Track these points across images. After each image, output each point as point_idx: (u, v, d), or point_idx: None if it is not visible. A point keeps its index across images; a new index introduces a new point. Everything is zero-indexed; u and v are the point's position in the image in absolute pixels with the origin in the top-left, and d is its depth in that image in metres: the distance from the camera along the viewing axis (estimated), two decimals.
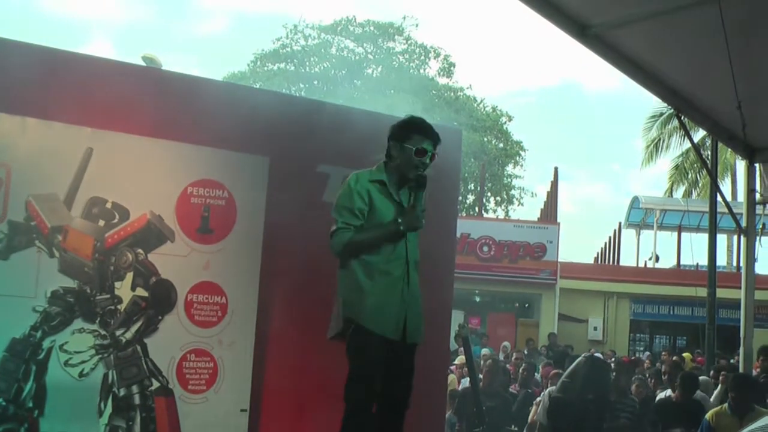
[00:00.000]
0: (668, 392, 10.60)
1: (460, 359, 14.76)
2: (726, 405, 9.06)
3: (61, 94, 7.79)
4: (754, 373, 11.33)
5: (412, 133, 5.41)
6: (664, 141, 39.72)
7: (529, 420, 10.69)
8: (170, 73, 9.47)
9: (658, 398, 10.64)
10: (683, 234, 33.62)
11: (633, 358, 17.53)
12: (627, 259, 37.14)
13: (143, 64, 11.48)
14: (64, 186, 7.75)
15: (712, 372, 13.20)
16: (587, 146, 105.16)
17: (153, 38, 69.41)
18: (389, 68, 39.39)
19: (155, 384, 7.99)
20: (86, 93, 7.89)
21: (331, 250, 5.40)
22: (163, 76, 9.41)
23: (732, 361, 16.07)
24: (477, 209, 34.76)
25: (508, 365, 15.51)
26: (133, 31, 71.53)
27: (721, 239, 33.86)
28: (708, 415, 9.03)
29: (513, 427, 11.01)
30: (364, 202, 5.29)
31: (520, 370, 13.39)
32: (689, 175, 41.02)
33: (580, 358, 9.81)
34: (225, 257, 8.37)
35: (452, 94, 40.39)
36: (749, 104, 8.49)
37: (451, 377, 12.65)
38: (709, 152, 20.14)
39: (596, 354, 19.97)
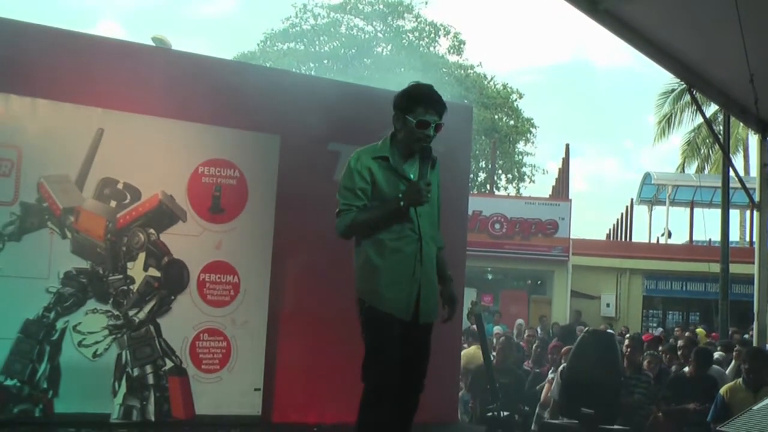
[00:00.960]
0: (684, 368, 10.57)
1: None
2: (740, 380, 9.03)
3: (71, 74, 7.80)
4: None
5: (415, 104, 5.13)
6: (676, 116, 39.50)
7: (542, 398, 10.68)
8: (181, 53, 9.46)
9: (671, 376, 10.61)
10: (696, 210, 33.53)
11: (654, 335, 17.44)
12: (639, 236, 36.95)
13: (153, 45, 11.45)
14: (76, 167, 7.77)
15: (719, 347, 13.17)
16: (598, 123, 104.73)
17: (161, 20, 69.23)
18: (399, 46, 39.23)
19: (169, 364, 8.03)
20: (97, 73, 7.90)
21: (337, 233, 5.23)
22: (174, 56, 9.40)
23: (746, 336, 16.05)
24: (488, 187, 34.61)
25: (521, 342, 15.50)
26: (140, 13, 71.25)
27: (734, 214, 33.68)
28: (722, 390, 9.00)
29: (525, 407, 10.99)
30: (366, 181, 5.11)
31: (533, 347, 13.39)
32: (701, 151, 40.81)
33: (583, 334, 9.81)
34: (237, 236, 8.39)
35: (462, 71, 40.23)
36: (761, 78, 8.45)
37: (473, 351, 12.58)
38: (721, 127, 20.04)
39: (609, 330, 20.06)
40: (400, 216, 5.09)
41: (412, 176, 5.16)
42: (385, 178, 5.13)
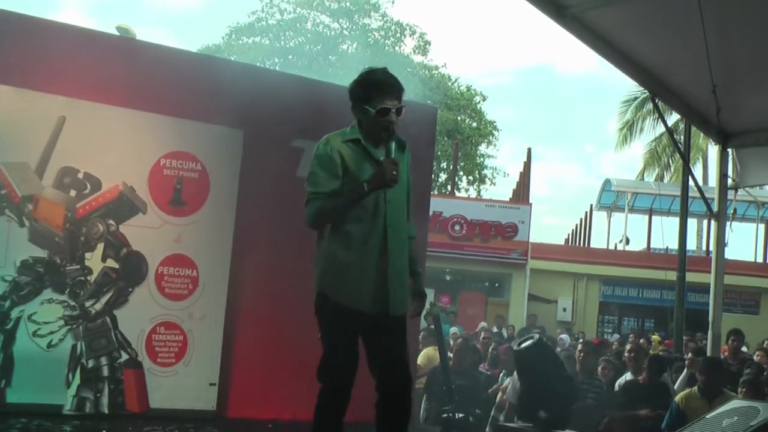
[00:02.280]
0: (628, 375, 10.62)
1: None
2: (695, 388, 9.11)
3: (33, 61, 7.72)
4: (722, 356, 11.42)
5: (372, 91, 5.01)
6: (637, 124, 39.89)
7: (497, 401, 10.72)
8: (145, 44, 9.39)
9: (624, 380, 10.67)
10: (654, 217, 33.80)
11: (602, 339, 17.62)
12: (598, 241, 37.28)
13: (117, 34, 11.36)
14: (36, 155, 7.70)
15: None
16: (560, 127, 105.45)
17: (124, 10, 68.68)
18: (364, 45, 39.18)
19: (124, 356, 7.99)
20: (60, 61, 7.83)
21: (306, 224, 5.07)
22: (139, 46, 9.33)
23: (699, 344, 16.21)
24: (449, 188, 34.65)
25: (477, 344, 15.54)
26: (103, 2, 70.80)
27: (692, 223, 34.09)
28: (677, 398, 9.06)
29: (477, 410, 11.01)
30: (335, 164, 4.95)
31: (489, 349, 13.43)
32: (662, 159, 41.21)
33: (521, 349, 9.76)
34: (197, 230, 8.35)
35: (427, 72, 40.24)
36: (724, 89, 8.51)
37: (430, 352, 12.59)
38: (682, 136, 20.21)
39: (563, 335, 20.16)
40: (369, 199, 4.95)
41: (381, 158, 5.00)
42: (356, 161, 5.00)
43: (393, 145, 5.02)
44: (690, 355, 11.46)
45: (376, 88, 5.02)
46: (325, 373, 4.91)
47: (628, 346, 12.71)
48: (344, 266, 4.95)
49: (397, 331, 5.11)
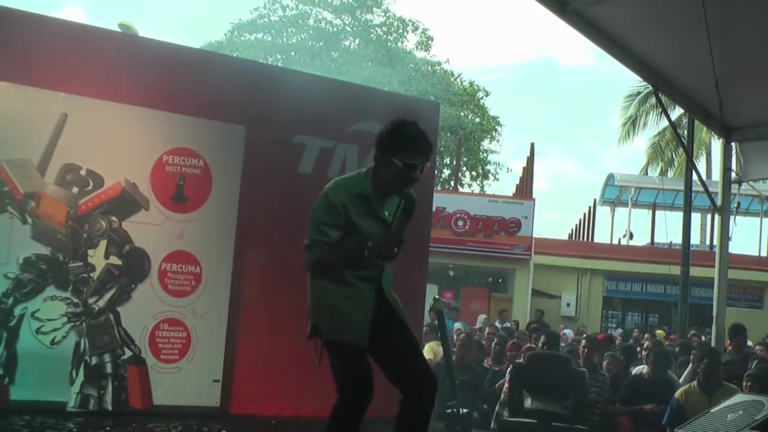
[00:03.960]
0: (644, 368, 10.62)
1: None
2: (695, 382, 9.11)
3: (35, 58, 7.71)
4: (726, 351, 11.41)
5: (402, 145, 4.84)
6: (640, 119, 39.89)
7: (503, 396, 10.69)
8: (147, 41, 9.40)
9: (632, 374, 10.67)
10: (657, 212, 33.71)
11: (606, 334, 17.61)
12: (601, 236, 37.16)
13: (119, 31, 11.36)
14: (38, 152, 7.69)
15: (677, 348, 13.26)
16: (562, 123, 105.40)
17: (126, 6, 68.64)
18: (367, 40, 39.13)
19: (127, 353, 7.99)
20: (62, 58, 7.82)
21: (304, 266, 5.02)
22: (141, 43, 9.34)
23: (703, 338, 16.18)
24: (452, 183, 34.68)
25: (481, 340, 15.50)
26: None
27: (695, 218, 33.88)
28: (677, 394, 9.06)
29: (484, 405, 11.00)
30: (339, 216, 4.83)
31: (493, 345, 13.39)
32: (665, 154, 41.21)
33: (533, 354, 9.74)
34: (200, 226, 8.35)
35: (429, 68, 40.17)
36: (727, 83, 8.50)
37: (436, 347, 12.60)
38: (686, 131, 20.18)
39: (565, 330, 20.14)
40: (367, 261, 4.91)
41: (387, 214, 4.98)
42: (360, 215, 4.90)
43: (404, 215, 5.07)
44: (695, 350, 11.44)
45: (409, 143, 4.88)
46: (342, 393, 4.88)
47: (645, 344, 12.75)
48: (334, 302, 4.91)
49: (406, 341, 5.11)
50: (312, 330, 4.99)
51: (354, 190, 4.94)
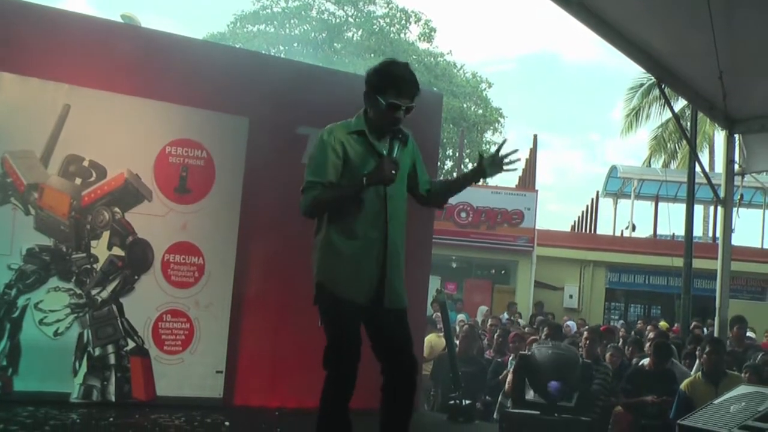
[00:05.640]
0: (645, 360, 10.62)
1: None
2: (699, 373, 9.10)
3: (38, 49, 7.71)
4: (727, 343, 11.41)
5: (388, 84, 4.88)
6: (644, 111, 39.82)
7: (506, 387, 10.70)
8: (151, 32, 9.39)
9: (631, 368, 10.68)
10: (660, 204, 33.67)
11: (608, 326, 17.63)
12: (604, 228, 37.21)
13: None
14: (41, 143, 7.70)
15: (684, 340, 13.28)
16: (565, 115, 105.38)
17: None
18: (369, 32, 39.03)
19: (131, 344, 8.00)
20: (65, 49, 7.82)
21: (300, 211, 5.03)
22: (144, 34, 9.33)
23: (705, 330, 16.19)
24: (455, 175, 34.71)
25: (484, 331, 15.53)
26: None
27: (698, 210, 33.90)
28: (683, 386, 9.04)
29: (487, 396, 11.02)
30: (337, 155, 4.88)
31: (495, 336, 13.41)
32: (668, 146, 41.14)
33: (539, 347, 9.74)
34: (203, 218, 8.35)
35: (432, 59, 40.08)
36: (730, 75, 8.49)
37: (434, 338, 12.64)
38: (689, 123, 20.15)
39: (568, 322, 20.15)
40: (366, 195, 4.89)
41: (384, 152, 4.94)
42: (359, 153, 4.94)
43: (396, 143, 4.97)
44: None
45: (393, 81, 4.91)
46: (329, 361, 4.87)
47: (649, 335, 12.75)
48: (342, 257, 4.91)
49: (398, 323, 5.08)
50: (317, 289, 4.99)
51: (351, 128, 5.02)
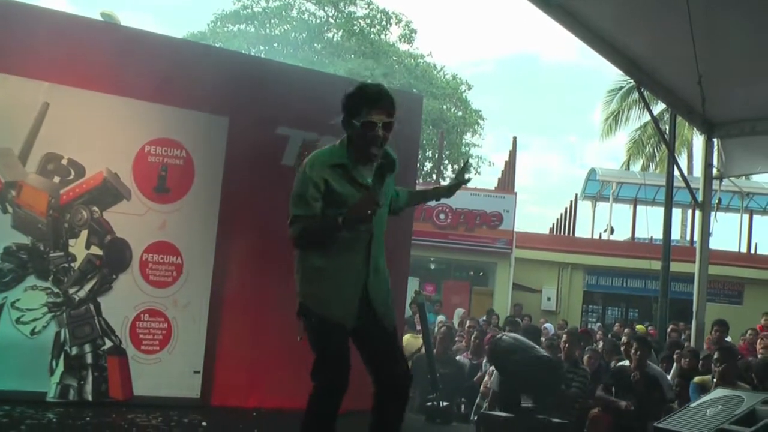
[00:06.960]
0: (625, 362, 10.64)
1: None
2: (710, 377, 9.10)
3: (17, 47, 7.67)
4: (705, 347, 11.45)
5: (360, 105, 4.77)
6: (623, 114, 40.03)
7: (482, 389, 10.72)
8: (130, 30, 9.36)
9: (615, 366, 10.69)
10: (639, 207, 33.80)
11: (586, 328, 17.70)
12: (582, 231, 37.28)
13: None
14: (20, 141, 7.65)
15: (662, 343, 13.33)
16: (543, 117, 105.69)
17: None
18: (350, 32, 39.01)
19: (108, 343, 7.96)
20: (44, 47, 7.78)
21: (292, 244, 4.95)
22: (124, 32, 9.28)
23: (683, 335, 16.26)
24: (434, 176, 34.70)
25: (462, 333, 15.52)
26: None
27: (676, 213, 34.03)
28: (696, 380, 9.13)
29: (463, 398, 11.04)
30: (318, 190, 4.74)
31: (472, 338, 13.41)
32: (647, 149, 41.40)
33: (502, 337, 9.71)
34: (182, 217, 8.32)
35: (413, 60, 40.12)
36: (709, 80, 8.54)
37: (412, 340, 12.64)
38: (668, 126, 20.24)
39: (546, 324, 20.20)
40: (349, 227, 4.75)
41: (370, 180, 4.85)
42: (342, 186, 4.82)
43: (382, 172, 4.89)
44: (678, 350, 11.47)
45: (365, 100, 4.80)
46: (317, 376, 4.80)
47: (624, 339, 12.77)
48: (323, 276, 4.85)
49: (387, 335, 5.06)
50: (300, 307, 4.92)
51: (332, 161, 4.88)
